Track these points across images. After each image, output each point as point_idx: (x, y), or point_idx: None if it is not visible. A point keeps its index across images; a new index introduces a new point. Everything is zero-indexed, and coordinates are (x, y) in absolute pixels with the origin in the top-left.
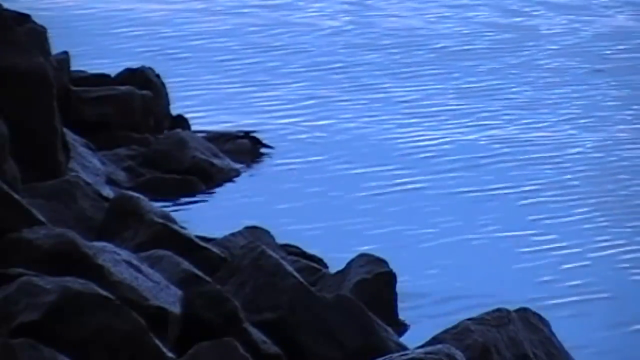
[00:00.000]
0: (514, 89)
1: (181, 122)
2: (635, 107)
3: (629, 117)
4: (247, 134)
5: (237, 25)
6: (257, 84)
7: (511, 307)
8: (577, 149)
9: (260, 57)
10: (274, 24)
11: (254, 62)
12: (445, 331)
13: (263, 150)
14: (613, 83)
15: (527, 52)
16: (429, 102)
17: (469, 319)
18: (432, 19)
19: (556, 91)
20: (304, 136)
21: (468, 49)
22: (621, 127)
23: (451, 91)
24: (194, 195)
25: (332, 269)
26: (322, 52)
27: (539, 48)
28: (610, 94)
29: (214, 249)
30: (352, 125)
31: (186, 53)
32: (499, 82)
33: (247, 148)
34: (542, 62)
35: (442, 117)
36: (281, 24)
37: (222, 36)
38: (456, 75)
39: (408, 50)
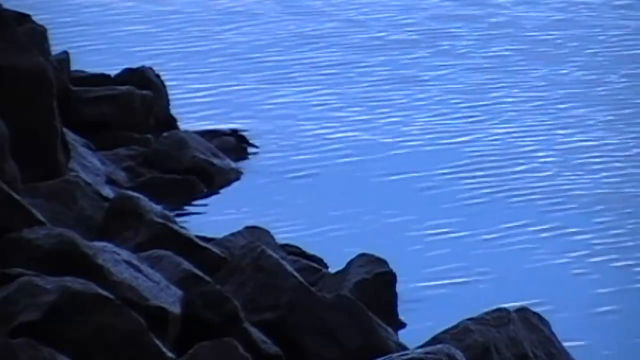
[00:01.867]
0: (427, 79)
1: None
2: (560, 96)
3: (550, 106)
4: (233, 132)
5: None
6: (255, 83)
7: (511, 307)
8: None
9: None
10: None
11: (252, 61)
12: (445, 331)
13: (250, 148)
14: (542, 73)
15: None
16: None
17: (469, 319)
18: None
19: (476, 79)
20: (303, 136)
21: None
22: (538, 116)
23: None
24: (194, 195)
25: (332, 269)
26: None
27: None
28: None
29: (214, 249)
30: (351, 125)
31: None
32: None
33: (231, 145)
34: (475, 49)
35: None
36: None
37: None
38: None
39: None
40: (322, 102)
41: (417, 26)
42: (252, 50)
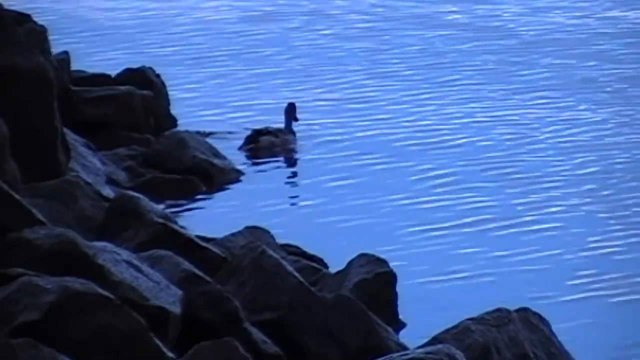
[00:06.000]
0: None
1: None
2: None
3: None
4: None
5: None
6: (258, 84)
7: (511, 307)
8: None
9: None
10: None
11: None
12: (445, 331)
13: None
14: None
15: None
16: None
17: (469, 319)
18: None
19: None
20: (304, 136)
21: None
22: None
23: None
24: (194, 195)
25: (332, 269)
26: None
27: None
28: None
29: (214, 249)
30: (353, 125)
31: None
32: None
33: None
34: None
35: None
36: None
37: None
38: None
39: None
40: (325, 99)
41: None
42: (249, 48)
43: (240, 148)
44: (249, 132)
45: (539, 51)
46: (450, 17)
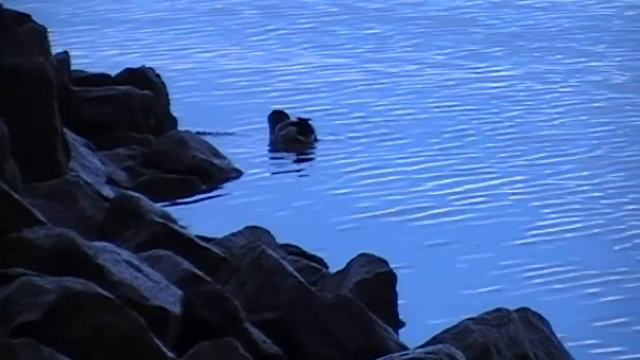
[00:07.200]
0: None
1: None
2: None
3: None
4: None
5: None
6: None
7: (511, 307)
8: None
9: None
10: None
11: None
12: (445, 331)
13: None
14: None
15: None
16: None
17: (469, 319)
18: None
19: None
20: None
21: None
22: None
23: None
24: (194, 195)
25: (332, 269)
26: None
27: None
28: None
29: (214, 249)
30: (352, 126)
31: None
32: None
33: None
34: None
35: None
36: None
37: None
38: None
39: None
40: (324, 96)
41: None
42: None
43: (305, 140)
44: (286, 124)
45: (497, 45)
46: (408, 10)
